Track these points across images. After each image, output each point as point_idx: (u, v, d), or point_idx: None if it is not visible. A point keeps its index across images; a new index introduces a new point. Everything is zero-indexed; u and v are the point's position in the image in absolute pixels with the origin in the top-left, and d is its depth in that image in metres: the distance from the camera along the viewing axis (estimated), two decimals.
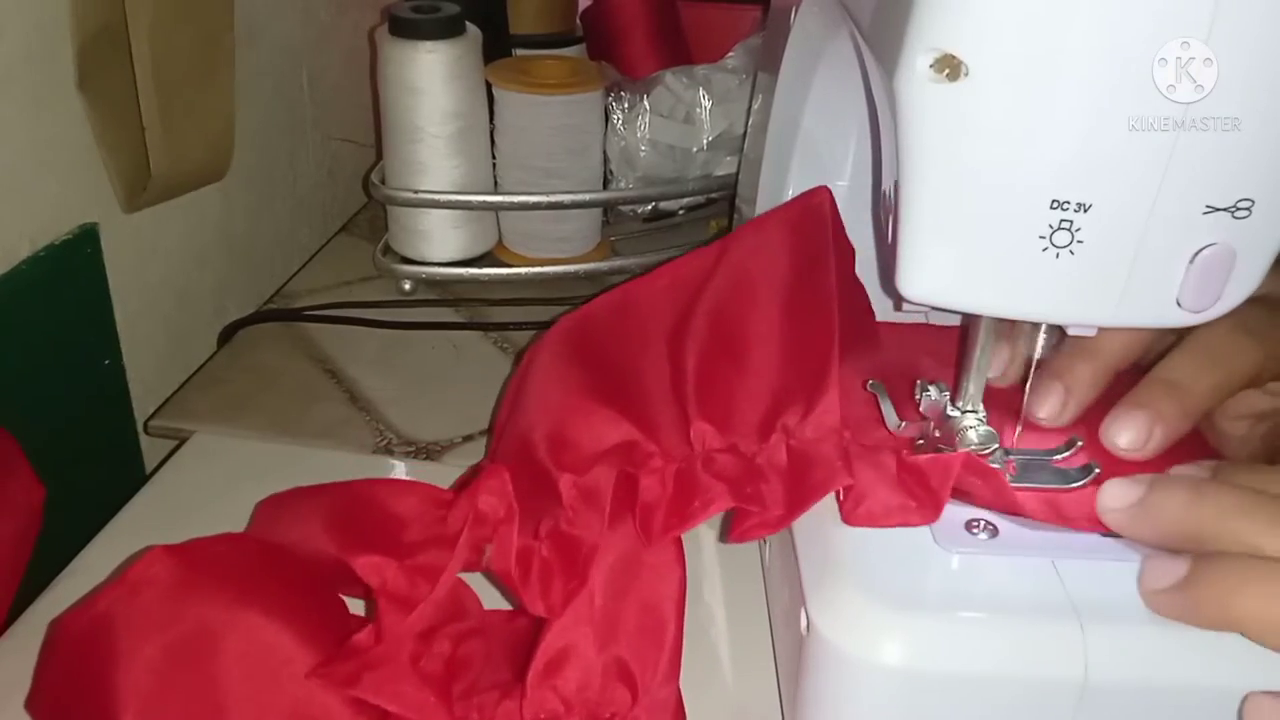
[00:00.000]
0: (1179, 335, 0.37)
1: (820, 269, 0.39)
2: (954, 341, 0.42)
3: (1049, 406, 0.37)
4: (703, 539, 0.47)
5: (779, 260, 0.40)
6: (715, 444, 0.37)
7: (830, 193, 0.41)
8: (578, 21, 0.80)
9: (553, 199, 0.65)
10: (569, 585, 0.37)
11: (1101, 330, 0.35)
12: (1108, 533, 0.34)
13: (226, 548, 0.38)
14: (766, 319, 0.39)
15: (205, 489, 0.49)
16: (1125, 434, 0.35)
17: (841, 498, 0.35)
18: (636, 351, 0.41)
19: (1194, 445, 0.37)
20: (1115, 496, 0.33)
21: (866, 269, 0.46)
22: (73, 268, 0.51)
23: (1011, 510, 0.34)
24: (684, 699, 0.38)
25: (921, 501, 0.33)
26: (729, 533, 0.36)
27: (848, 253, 0.41)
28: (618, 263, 0.68)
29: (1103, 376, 0.37)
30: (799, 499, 0.35)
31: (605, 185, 0.69)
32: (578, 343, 0.42)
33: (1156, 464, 0.35)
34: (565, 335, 0.42)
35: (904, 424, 0.37)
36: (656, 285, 0.42)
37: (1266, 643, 0.29)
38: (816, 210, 0.41)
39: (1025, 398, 0.37)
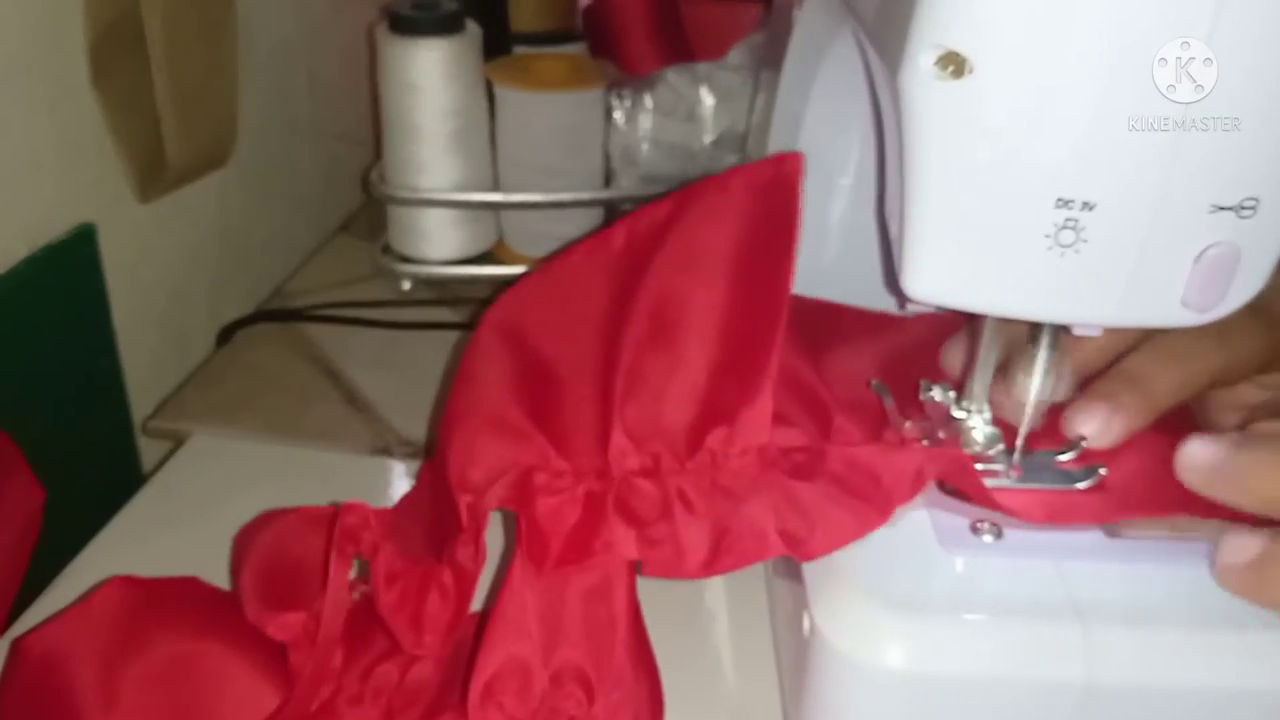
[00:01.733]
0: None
1: (780, 250, 0.36)
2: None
3: (1092, 425, 0.36)
4: None
5: (735, 230, 0.37)
6: (633, 463, 0.35)
7: (802, 161, 0.37)
8: (579, 19, 0.80)
9: (553, 198, 0.64)
10: (446, 617, 0.36)
11: (1155, 365, 0.35)
12: (1108, 533, 0.33)
13: (184, 586, 0.39)
14: (710, 304, 0.36)
15: (203, 490, 0.49)
16: (1086, 424, 0.36)
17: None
18: (571, 333, 0.39)
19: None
20: (1199, 454, 0.32)
21: (870, 267, 0.46)
22: (70, 268, 0.51)
23: (988, 506, 0.33)
24: (685, 701, 0.38)
25: (869, 504, 0.32)
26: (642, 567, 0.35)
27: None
28: None
29: (1148, 412, 0.36)
30: (720, 554, 0.33)
31: (606, 184, 0.69)
32: (512, 325, 0.40)
33: (1163, 464, 0.35)
34: (502, 314, 0.40)
35: (909, 424, 0.37)
36: (608, 250, 0.39)
37: None
38: (787, 180, 0.37)
39: (1028, 399, 0.37)
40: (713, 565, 0.34)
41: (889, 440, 0.37)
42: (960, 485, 0.34)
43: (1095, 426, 0.36)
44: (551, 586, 0.35)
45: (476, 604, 0.41)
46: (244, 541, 0.42)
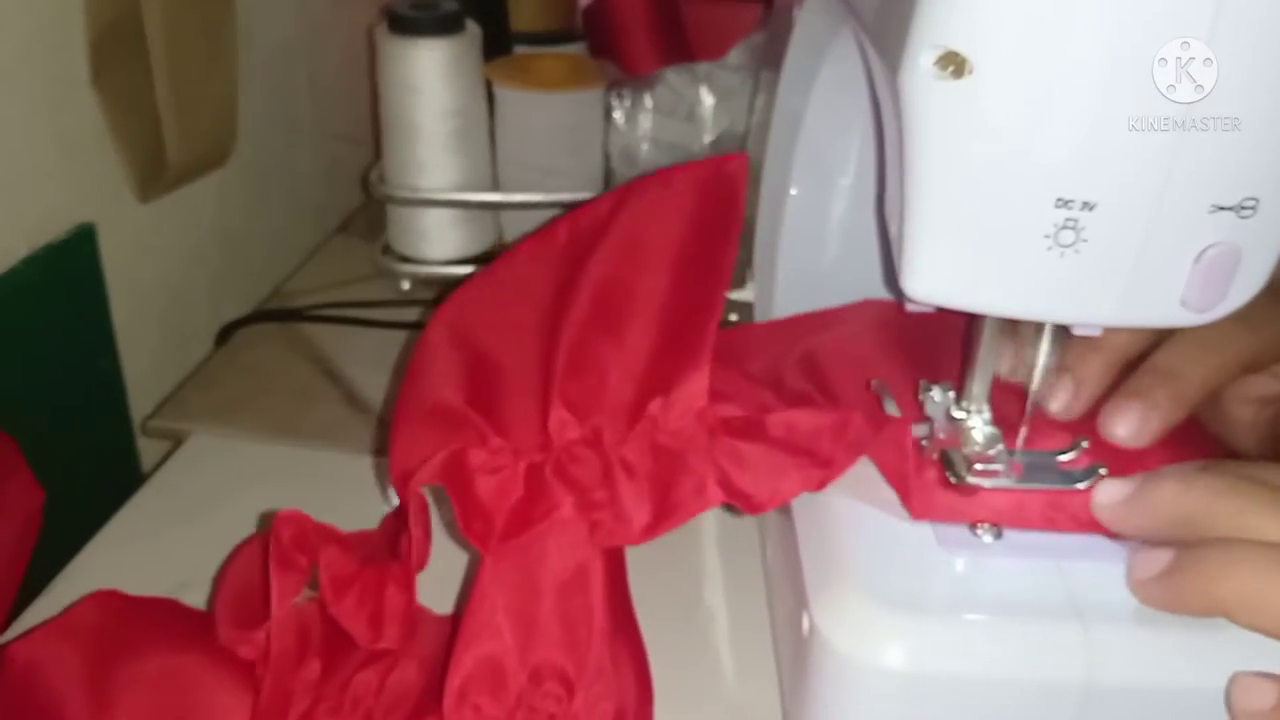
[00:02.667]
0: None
1: (721, 245, 0.37)
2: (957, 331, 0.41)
3: (1060, 399, 0.37)
4: (703, 539, 0.47)
5: (677, 224, 0.38)
6: (574, 434, 0.36)
7: (746, 162, 0.39)
8: (578, 19, 0.80)
9: (553, 198, 0.64)
10: (403, 605, 0.36)
11: (1187, 358, 0.36)
12: (1108, 534, 0.33)
13: (164, 605, 0.40)
14: (652, 290, 0.37)
15: (203, 490, 0.49)
16: (1122, 424, 0.36)
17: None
18: (515, 325, 0.39)
19: (1196, 437, 0.36)
20: (1108, 493, 0.33)
21: (870, 267, 0.46)
22: (70, 268, 0.51)
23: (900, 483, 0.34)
24: (684, 700, 0.38)
25: (813, 459, 0.33)
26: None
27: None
28: None
29: (1113, 368, 0.37)
30: (663, 516, 0.34)
31: (606, 184, 0.69)
32: (458, 322, 0.40)
33: (1161, 459, 0.35)
34: (449, 312, 0.40)
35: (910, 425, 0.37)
36: (552, 246, 0.40)
37: (1254, 626, 0.29)
38: (730, 180, 0.38)
39: (1030, 400, 0.37)
40: (656, 528, 0.34)
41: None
42: (882, 455, 0.34)
43: (1131, 426, 0.36)
44: (524, 584, 0.35)
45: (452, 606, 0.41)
46: (222, 569, 0.42)
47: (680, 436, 0.35)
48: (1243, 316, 0.34)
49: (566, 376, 0.36)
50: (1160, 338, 0.37)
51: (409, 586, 0.37)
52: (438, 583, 0.43)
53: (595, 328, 0.37)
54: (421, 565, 0.38)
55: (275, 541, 0.37)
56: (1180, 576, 0.30)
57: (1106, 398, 0.37)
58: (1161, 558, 0.31)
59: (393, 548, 0.39)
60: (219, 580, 0.41)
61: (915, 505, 0.34)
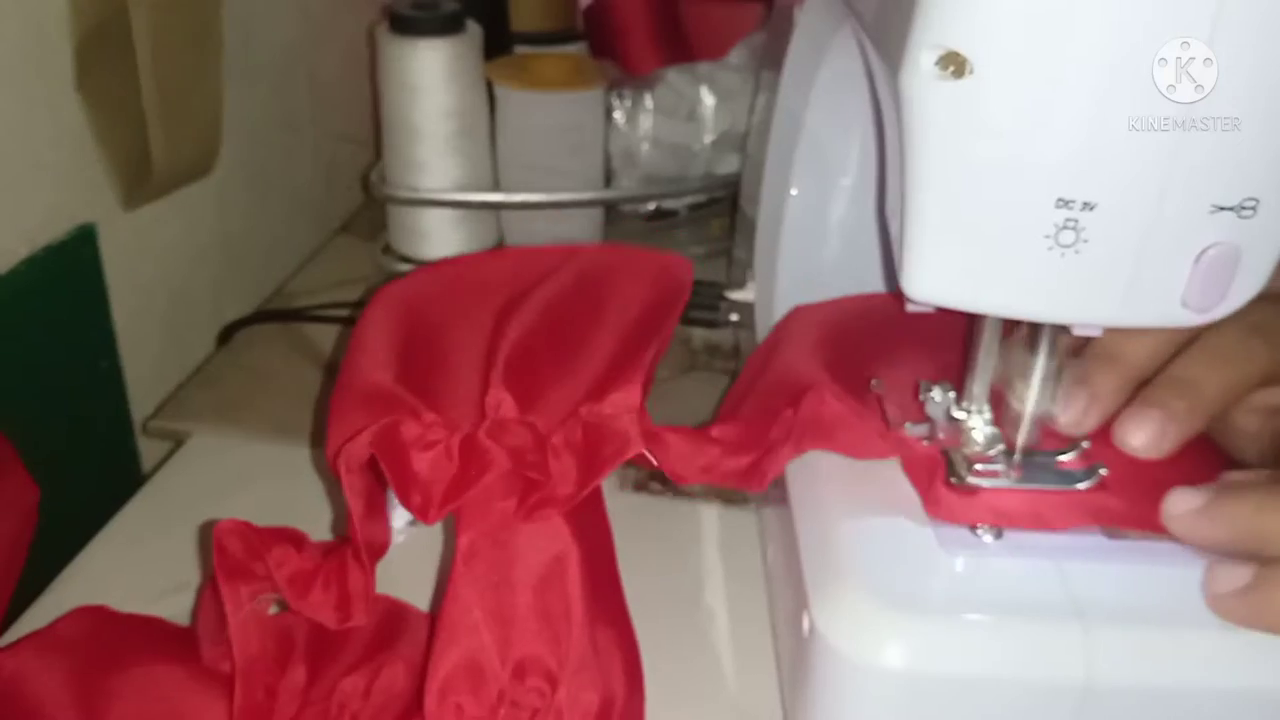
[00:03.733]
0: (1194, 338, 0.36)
1: (664, 318, 0.39)
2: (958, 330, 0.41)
3: (1072, 413, 0.37)
4: (703, 538, 0.47)
5: (624, 292, 0.41)
6: (510, 413, 0.36)
7: (692, 267, 0.43)
8: (579, 19, 0.80)
9: (553, 198, 0.64)
10: (363, 582, 0.36)
11: (1129, 338, 0.36)
12: (1108, 534, 0.34)
13: (148, 622, 0.40)
14: (594, 324, 0.39)
15: (203, 490, 0.49)
16: (1139, 433, 0.35)
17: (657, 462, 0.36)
18: (458, 322, 0.40)
19: (1198, 444, 0.36)
20: (1184, 502, 0.33)
21: (871, 267, 0.46)
22: (70, 268, 0.51)
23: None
24: (685, 700, 0.38)
25: (743, 459, 0.34)
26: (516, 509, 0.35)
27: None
28: None
29: (1130, 385, 0.37)
30: (591, 471, 0.35)
31: (607, 184, 0.69)
32: (404, 297, 0.41)
33: (1165, 466, 0.35)
34: (397, 288, 0.41)
35: (909, 425, 0.37)
36: (499, 263, 0.42)
37: None
38: (677, 282, 0.42)
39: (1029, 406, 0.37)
40: (583, 485, 0.35)
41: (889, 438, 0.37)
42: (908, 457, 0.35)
43: (1148, 436, 0.35)
44: (500, 580, 0.35)
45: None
46: (202, 586, 0.42)
47: (610, 419, 0.36)
48: (1259, 328, 0.34)
49: (508, 369, 0.37)
50: (1176, 354, 0.37)
51: (362, 564, 0.37)
52: (432, 583, 0.43)
53: (541, 337, 0.39)
54: (374, 539, 0.37)
55: (220, 553, 0.36)
56: (1263, 594, 0.30)
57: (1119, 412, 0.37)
58: (1243, 573, 0.31)
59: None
60: (199, 599, 0.41)
61: (932, 505, 0.34)
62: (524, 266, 0.42)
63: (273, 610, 0.39)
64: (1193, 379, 0.35)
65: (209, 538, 0.44)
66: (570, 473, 0.35)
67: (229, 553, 0.36)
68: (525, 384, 0.37)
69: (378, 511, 0.39)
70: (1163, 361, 0.37)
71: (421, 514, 0.35)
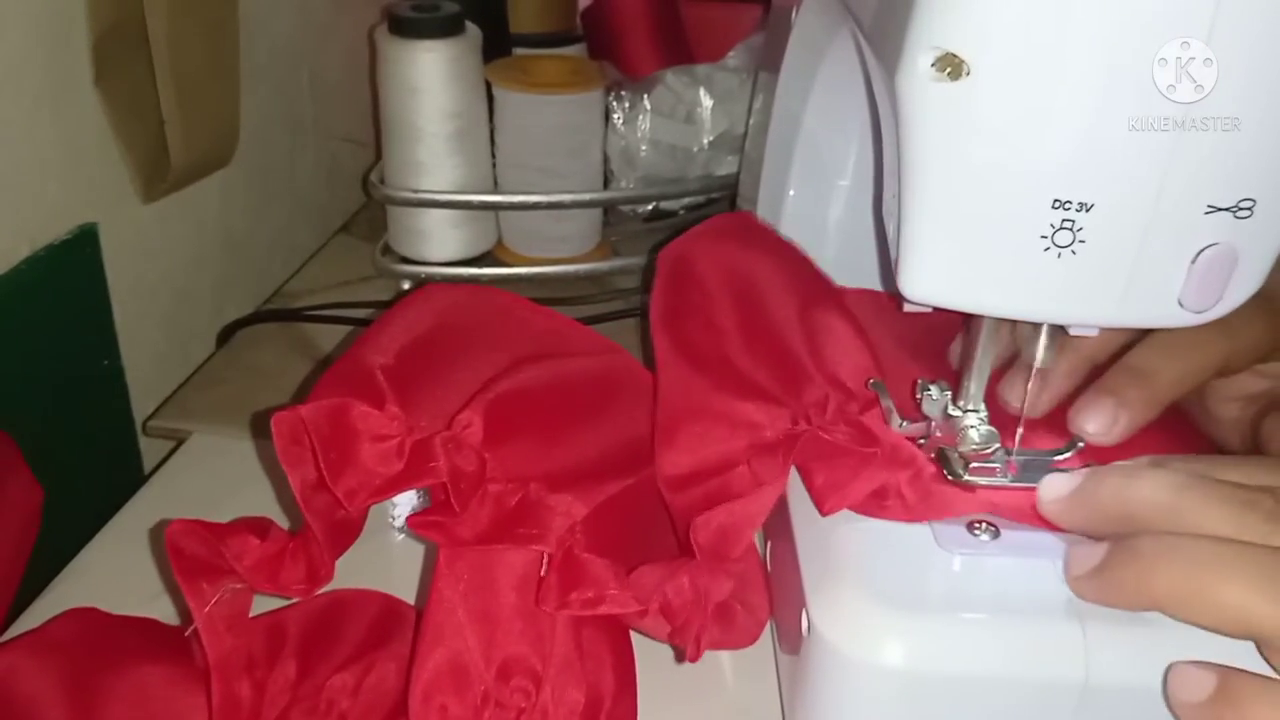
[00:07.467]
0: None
1: (636, 467, 0.39)
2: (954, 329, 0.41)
3: (1099, 421, 0.36)
4: None
5: (634, 417, 0.40)
6: (473, 439, 0.37)
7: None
8: (578, 21, 0.80)
9: (553, 199, 0.64)
10: (316, 552, 0.36)
11: (1159, 358, 0.36)
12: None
13: (142, 624, 0.40)
14: (588, 422, 0.40)
15: (204, 489, 0.49)
16: (1092, 420, 0.36)
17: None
18: (476, 349, 0.41)
19: (1187, 435, 0.37)
20: (1053, 488, 0.33)
21: (868, 268, 0.46)
22: (72, 268, 0.51)
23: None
24: (685, 701, 0.38)
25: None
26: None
27: None
28: (618, 262, 0.67)
29: (1079, 369, 0.37)
30: (495, 535, 0.35)
31: (605, 185, 0.69)
32: (431, 314, 0.42)
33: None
34: (429, 299, 0.42)
35: (905, 423, 0.37)
36: (547, 320, 0.42)
37: (1188, 619, 0.29)
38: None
39: (1026, 400, 0.37)
40: (480, 541, 0.35)
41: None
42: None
43: (1101, 423, 0.36)
44: (483, 582, 0.35)
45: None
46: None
47: (546, 508, 0.36)
48: (1220, 320, 0.34)
49: (493, 405, 0.37)
50: (1130, 341, 0.37)
51: (308, 528, 0.36)
52: (427, 582, 0.43)
53: (538, 400, 0.39)
54: (324, 513, 0.37)
55: (176, 555, 0.36)
56: (1113, 571, 0.30)
57: (1074, 398, 0.37)
58: (1096, 552, 0.30)
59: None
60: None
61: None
62: (568, 335, 0.42)
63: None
64: (1147, 368, 0.36)
65: None
66: (480, 524, 0.35)
67: (185, 553, 0.36)
68: (500, 427, 0.37)
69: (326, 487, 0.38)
70: (1115, 349, 0.37)
71: (349, 499, 0.35)
